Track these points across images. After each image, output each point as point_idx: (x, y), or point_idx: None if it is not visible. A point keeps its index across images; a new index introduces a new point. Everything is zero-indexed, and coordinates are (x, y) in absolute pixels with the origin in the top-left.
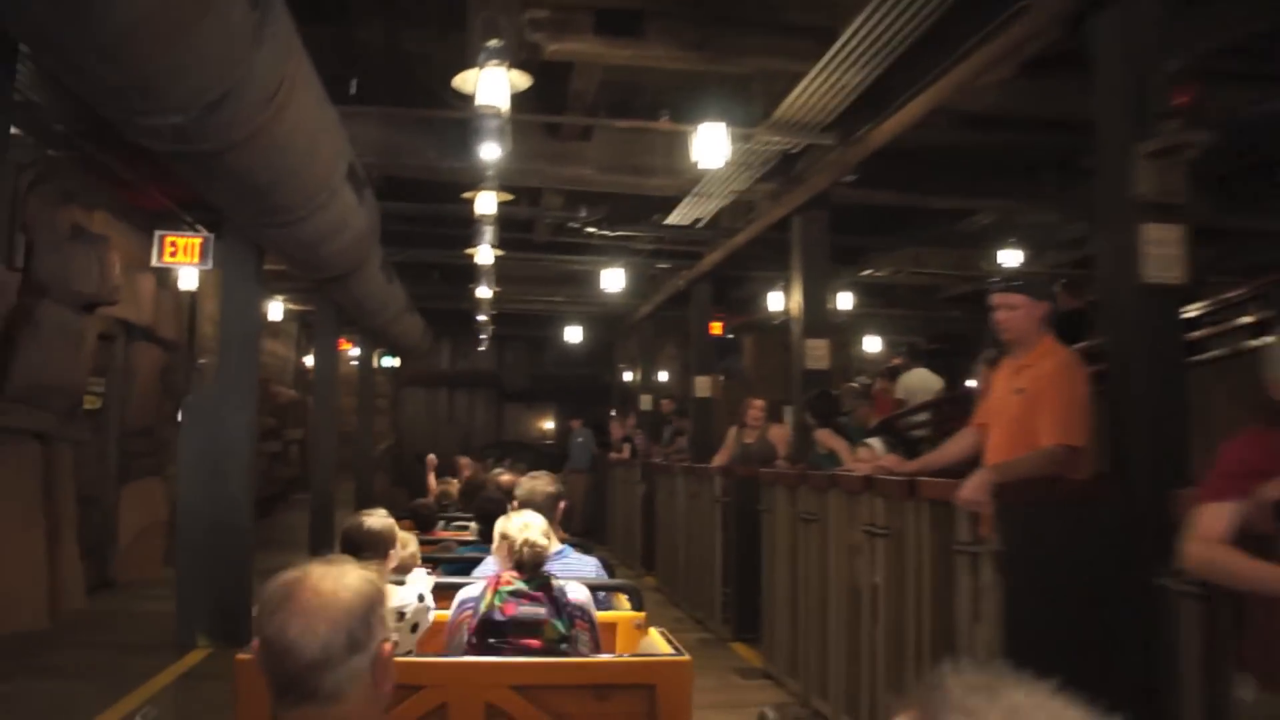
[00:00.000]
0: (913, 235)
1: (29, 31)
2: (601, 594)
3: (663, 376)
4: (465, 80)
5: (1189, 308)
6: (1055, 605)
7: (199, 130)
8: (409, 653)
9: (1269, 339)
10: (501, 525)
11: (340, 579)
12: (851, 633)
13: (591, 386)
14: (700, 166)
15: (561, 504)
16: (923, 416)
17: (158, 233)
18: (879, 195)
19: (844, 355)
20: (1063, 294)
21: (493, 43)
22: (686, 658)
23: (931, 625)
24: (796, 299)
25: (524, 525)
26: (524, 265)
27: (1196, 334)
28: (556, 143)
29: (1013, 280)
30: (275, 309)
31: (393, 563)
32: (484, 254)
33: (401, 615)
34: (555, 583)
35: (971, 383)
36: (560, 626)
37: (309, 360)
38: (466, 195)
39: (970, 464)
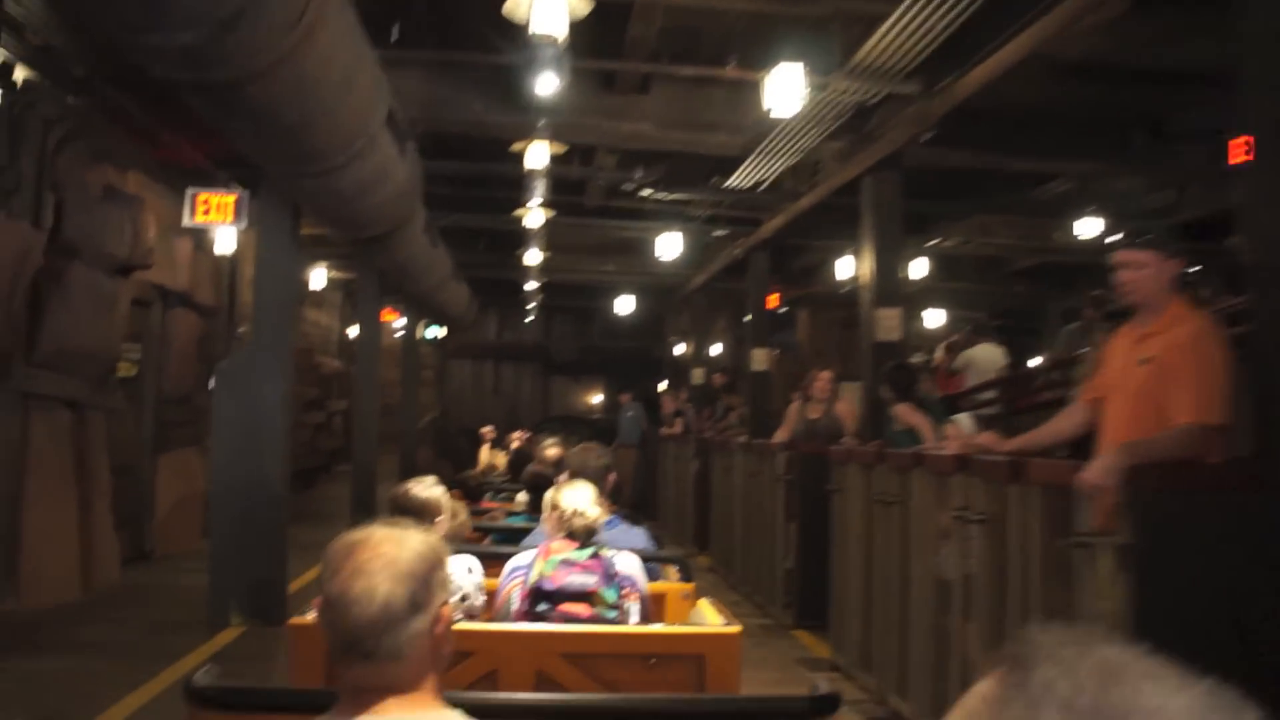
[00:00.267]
0: (982, 203)
1: None
2: (650, 565)
3: (715, 350)
4: (517, 6)
5: None
6: (1191, 608)
7: (214, 53)
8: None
9: None
10: (552, 495)
11: (403, 540)
12: (938, 628)
13: (641, 360)
14: (774, 114)
15: (611, 476)
16: (988, 394)
17: (190, 190)
18: (954, 156)
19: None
20: None
21: None
22: (736, 628)
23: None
24: (867, 266)
25: (575, 495)
26: (574, 232)
27: None
28: (612, 96)
29: (1140, 235)
30: (318, 276)
31: (441, 531)
32: (534, 216)
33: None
34: (605, 552)
35: (1036, 360)
36: (610, 596)
37: (353, 330)
38: (517, 147)
39: (1078, 444)
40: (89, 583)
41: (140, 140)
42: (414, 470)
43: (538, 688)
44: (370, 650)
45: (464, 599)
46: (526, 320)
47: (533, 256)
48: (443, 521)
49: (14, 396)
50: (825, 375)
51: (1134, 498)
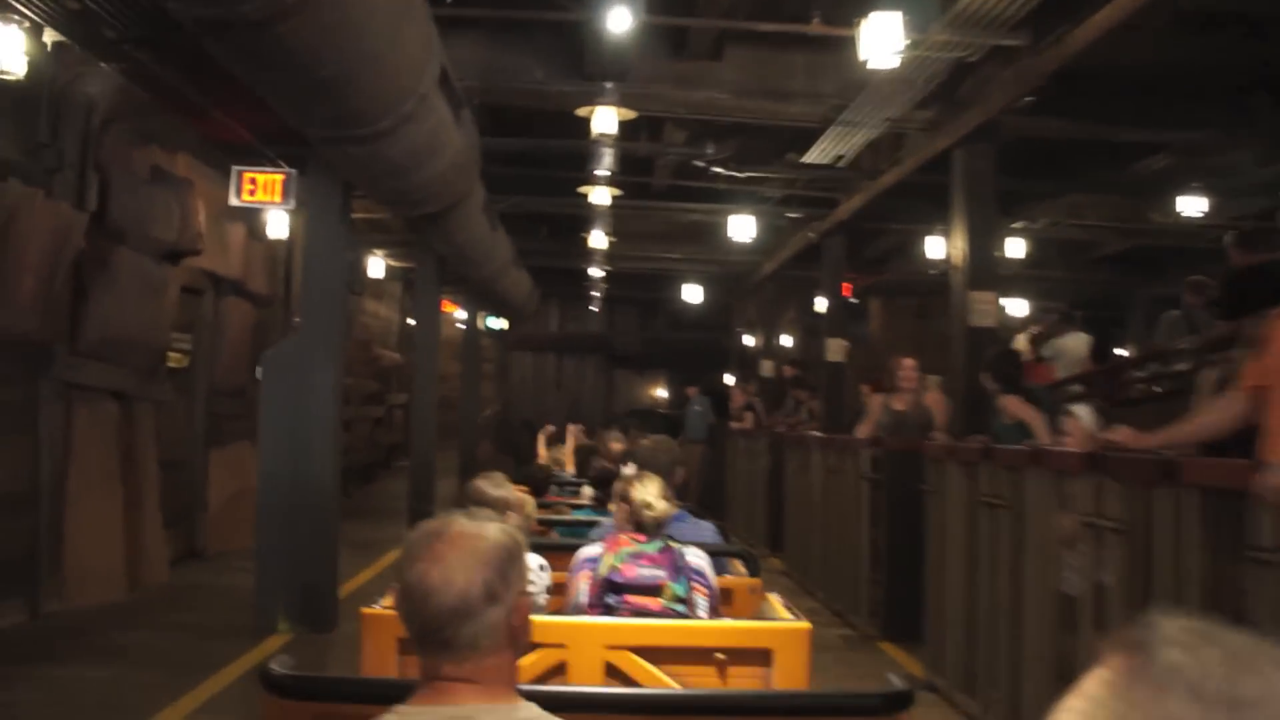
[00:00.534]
0: (1075, 180)
1: None
2: (717, 559)
3: (784, 342)
4: None
5: None
6: None
7: None
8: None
9: None
10: (621, 488)
11: (481, 531)
12: (1060, 650)
13: (707, 351)
14: (870, 65)
15: (679, 470)
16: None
17: (235, 169)
18: (1054, 126)
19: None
20: (1234, 249)
21: None
22: (805, 625)
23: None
24: (959, 246)
25: (644, 488)
26: (639, 218)
27: None
28: (683, 63)
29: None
30: (376, 265)
31: (512, 525)
32: (599, 194)
33: None
34: (674, 546)
35: (1122, 351)
36: (679, 589)
37: (413, 322)
38: (582, 111)
39: (1241, 441)
40: (136, 582)
41: (178, 111)
42: (474, 465)
43: (606, 680)
44: (447, 640)
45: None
46: (590, 309)
47: (597, 239)
48: (513, 516)
49: (56, 387)
50: (909, 363)
51: None
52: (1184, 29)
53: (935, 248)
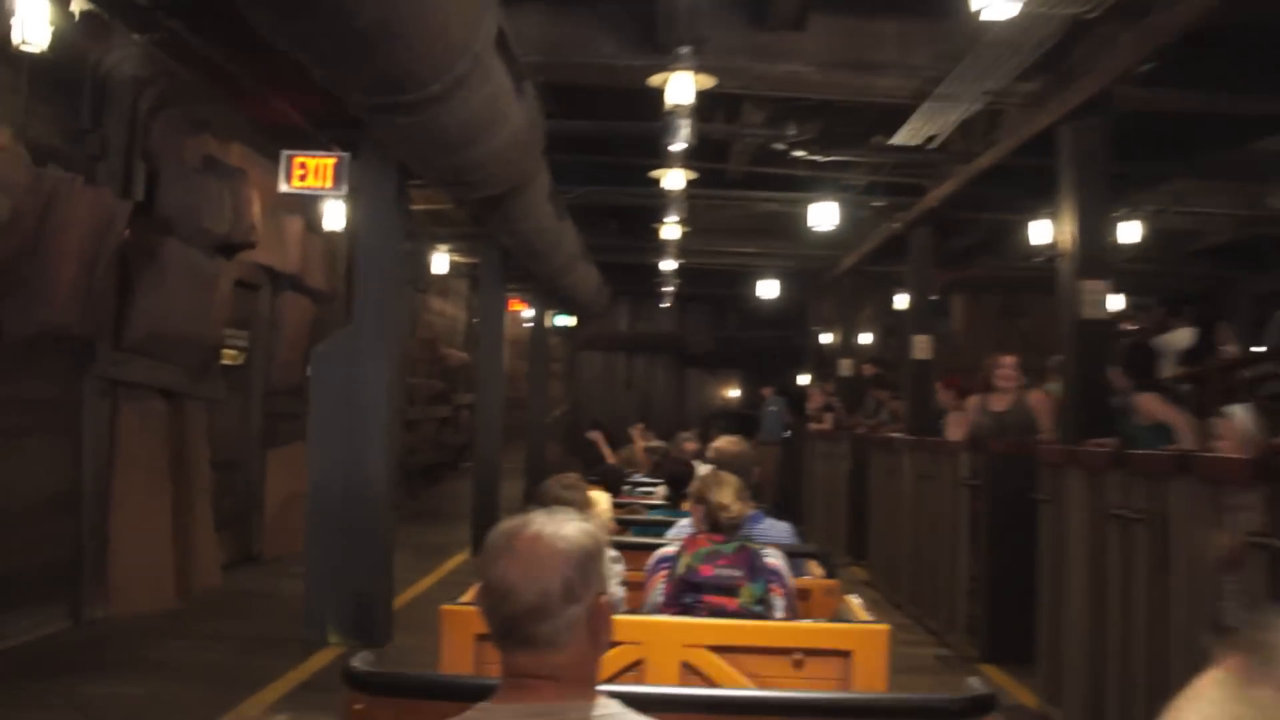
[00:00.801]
0: (1186, 161)
1: None
2: (793, 560)
3: (862, 340)
4: None
5: None
6: None
7: None
8: None
9: None
10: (698, 488)
11: (560, 529)
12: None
13: (781, 350)
14: (983, 16)
15: (756, 469)
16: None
17: (285, 153)
18: (1176, 97)
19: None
20: None
21: None
22: (885, 626)
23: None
24: (1067, 231)
25: (720, 488)
26: (712, 210)
27: None
28: (764, 34)
29: None
30: (440, 261)
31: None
32: (673, 178)
33: None
34: (751, 546)
35: (1228, 347)
36: (756, 589)
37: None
38: (655, 79)
39: None
40: (187, 588)
41: (220, 88)
42: (541, 467)
43: (682, 679)
44: (527, 637)
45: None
46: (662, 305)
47: (670, 231)
48: (590, 515)
49: (100, 384)
50: (1009, 361)
51: None
52: None
53: (1039, 233)
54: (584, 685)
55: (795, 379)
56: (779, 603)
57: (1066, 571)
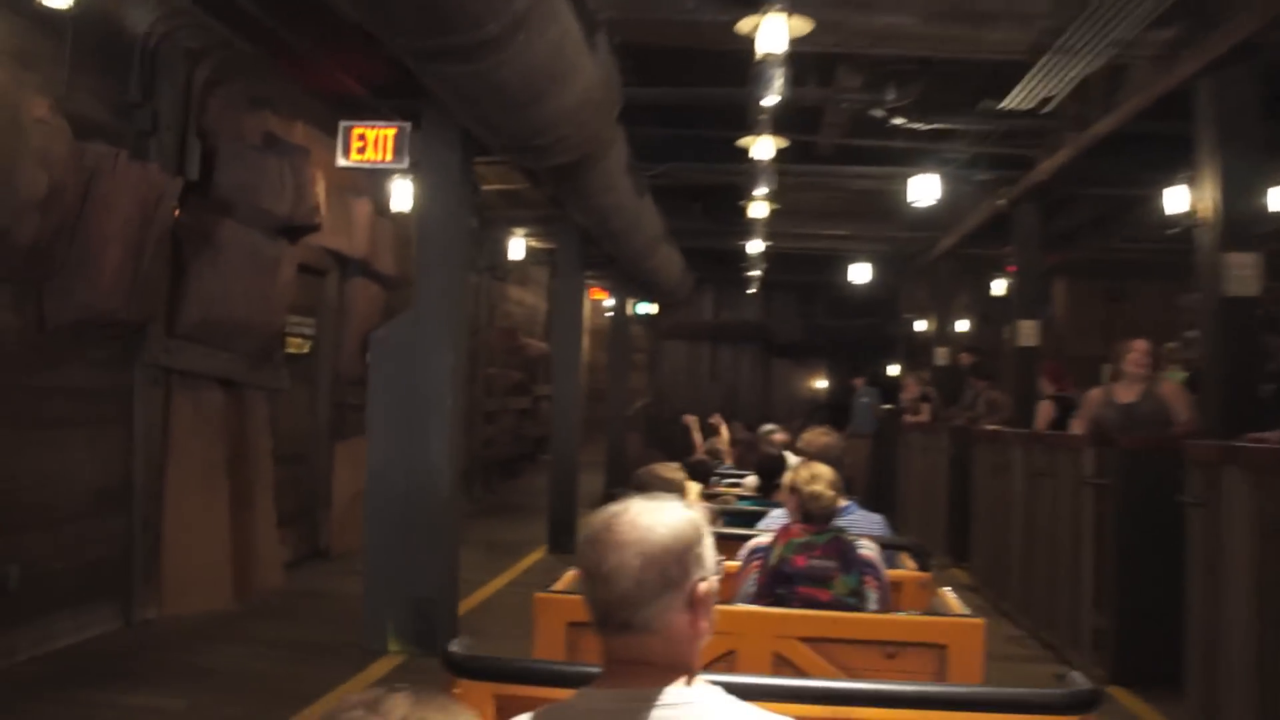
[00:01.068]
0: None
1: None
2: (885, 552)
3: (958, 327)
4: None
5: None
6: None
7: None
8: None
9: None
10: (790, 478)
11: (659, 515)
12: None
13: (871, 340)
14: None
15: (846, 461)
16: None
17: (343, 124)
18: None
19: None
20: None
21: None
22: (980, 620)
23: None
24: (1209, 198)
25: (812, 478)
26: (800, 190)
27: None
28: None
29: None
30: (516, 246)
31: None
32: (763, 146)
33: None
34: (845, 538)
35: None
36: (849, 581)
37: None
38: (745, 26)
39: None
40: (246, 587)
41: (276, 54)
42: (622, 460)
43: (774, 669)
44: (624, 622)
45: None
46: (748, 292)
47: (758, 209)
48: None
49: (152, 372)
50: (1140, 345)
51: None
52: None
53: (1175, 201)
54: (684, 672)
55: (885, 369)
56: (873, 595)
57: (1224, 585)
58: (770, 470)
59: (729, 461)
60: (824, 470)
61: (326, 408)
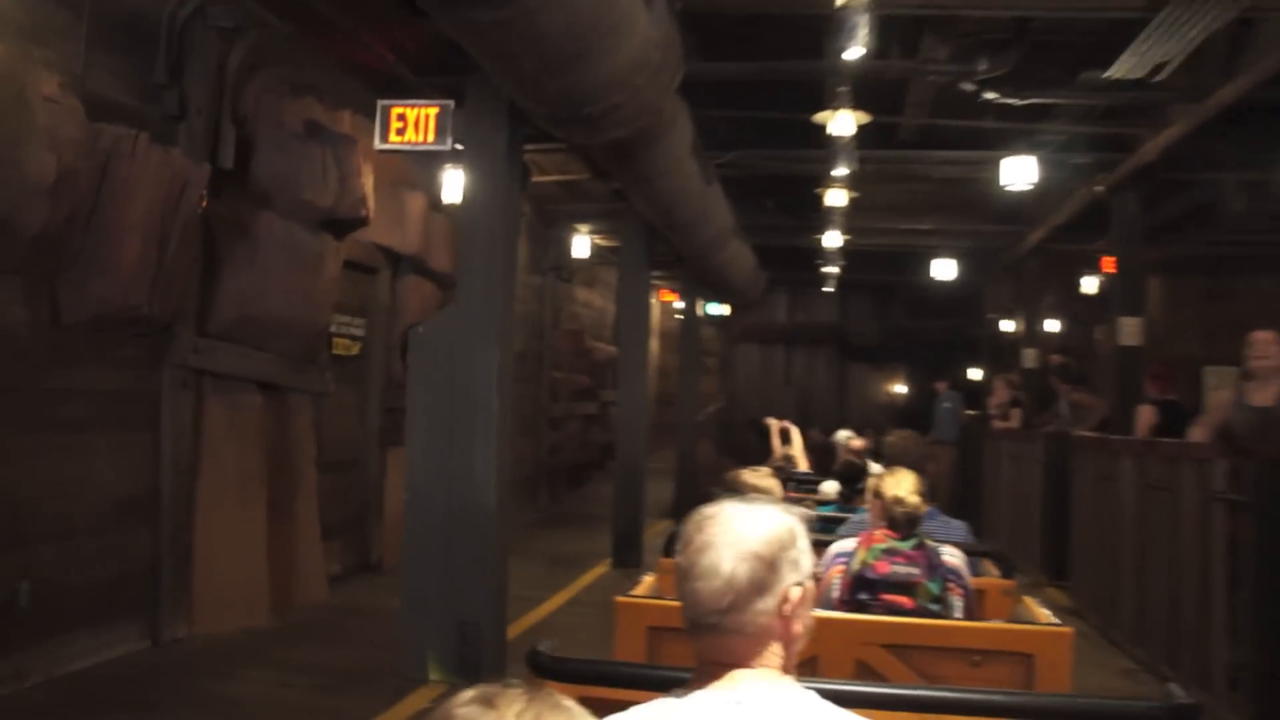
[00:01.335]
0: None
1: None
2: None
3: (1048, 327)
4: None
5: None
6: None
7: None
8: None
9: None
10: (873, 483)
11: (753, 518)
12: None
13: (952, 342)
14: None
15: (929, 466)
16: None
17: (381, 104)
18: None
19: None
20: None
21: None
22: (1068, 629)
23: None
24: None
25: (896, 483)
26: (879, 181)
27: None
28: None
29: None
30: (580, 244)
31: None
32: (841, 122)
33: None
34: (929, 544)
35: None
36: (933, 588)
37: None
38: None
39: None
40: (285, 603)
41: (314, 30)
42: (693, 468)
43: (856, 676)
44: (716, 624)
45: None
46: (824, 290)
47: (836, 196)
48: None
49: (181, 374)
50: (1263, 336)
51: None
52: None
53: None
54: (776, 673)
55: (967, 373)
56: (957, 603)
57: None
58: (851, 476)
59: (803, 467)
60: (908, 475)
61: (378, 412)
